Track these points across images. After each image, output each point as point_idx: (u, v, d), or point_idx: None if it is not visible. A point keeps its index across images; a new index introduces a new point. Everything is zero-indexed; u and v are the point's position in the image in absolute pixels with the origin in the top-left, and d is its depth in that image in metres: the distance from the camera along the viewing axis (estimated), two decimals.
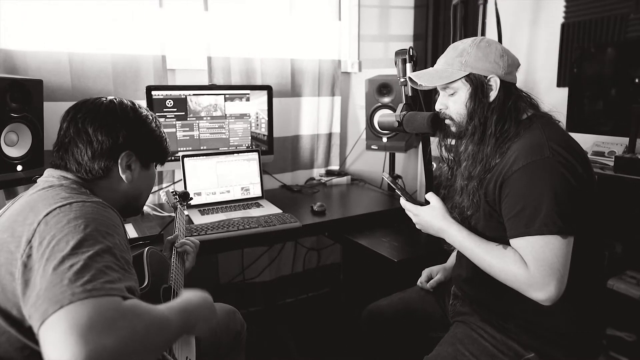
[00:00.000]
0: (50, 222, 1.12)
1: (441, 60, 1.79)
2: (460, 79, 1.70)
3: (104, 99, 1.51)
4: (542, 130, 1.60)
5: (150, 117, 1.58)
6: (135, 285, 1.13)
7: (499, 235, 1.62)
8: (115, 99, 1.52)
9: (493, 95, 1.68)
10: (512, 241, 1.55)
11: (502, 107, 1.68)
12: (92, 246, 1.08)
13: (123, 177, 1.48)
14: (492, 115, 1.68)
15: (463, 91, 1.72)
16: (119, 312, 0.97)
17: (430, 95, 3.08)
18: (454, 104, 1.76)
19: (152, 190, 2.95)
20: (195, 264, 1.98)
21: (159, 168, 1.69)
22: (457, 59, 1.71)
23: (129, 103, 1.54)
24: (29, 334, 1.07)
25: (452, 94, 1.76)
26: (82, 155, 1.43)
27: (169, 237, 1.98)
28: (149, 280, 1.49)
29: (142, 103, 1.61)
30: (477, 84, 1.68)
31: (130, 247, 1.36)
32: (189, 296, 1.32)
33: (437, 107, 1.83)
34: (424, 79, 1.80)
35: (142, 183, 1.58)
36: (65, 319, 0.92)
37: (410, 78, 1.87)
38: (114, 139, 1.45)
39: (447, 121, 1.80)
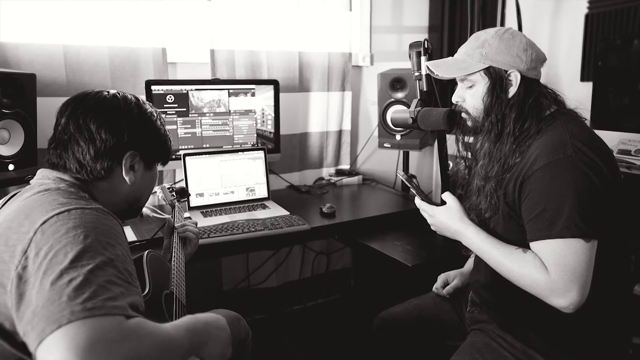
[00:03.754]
0: (47, 231, 1.10)
1: (461, 50, 1.79)
2: (479, 71, 1.70)
3: (106, 93, 1.49)
4: (565, 128, 1.59)
5: (155, 115, 1.57)
6: (140, 299, 1.12)
7: (520, 239, 1.61)
8: (119, 94, 1.50)
9: (512, 91, 1.68)
10: (532, 244, 1.55)
11: (521, 104, 1.68)
12: (92, 258, 1.06)
13: (126, 178, 1.47)
14: (510, 113, 1.68)
15: (481, 85, 1.72)
16: (121, 334, 0.96)
17: (447, 90, 3.09)
18: (471, 98, 1.76)
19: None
20: (197, 248, 2.02)
21: (159, 168, 1.68)
22: (478, 50, 1.71)
23: (133, 98, 1.52)
24: (23, 348, 1.05)
25: (470, 87, 1.76)
26: (83, 154, 1.41)
27: (166, 223, 2.00)
28: (150, 287, 1.49)
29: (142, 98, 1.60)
30: (496, 78, 1.68)
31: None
32: (198, 315, 1.30)
33: (454, 99, 1.83)
34: (442, 69, 1.80)
35: (143, 184, 1.57)
36: (64, 340, 0.91)
37: (428, 67, 1.87)
38: (118, 138, 1.43)
39: (463, 115, 1.81)
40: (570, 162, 1.50)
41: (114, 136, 1.42)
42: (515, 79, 1.67)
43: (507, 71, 1.67)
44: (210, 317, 1.32)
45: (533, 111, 1.67)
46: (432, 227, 1.86)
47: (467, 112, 1.79)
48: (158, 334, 1.06)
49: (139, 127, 1.49)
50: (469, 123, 1.80)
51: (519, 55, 1.67)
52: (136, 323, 1.01)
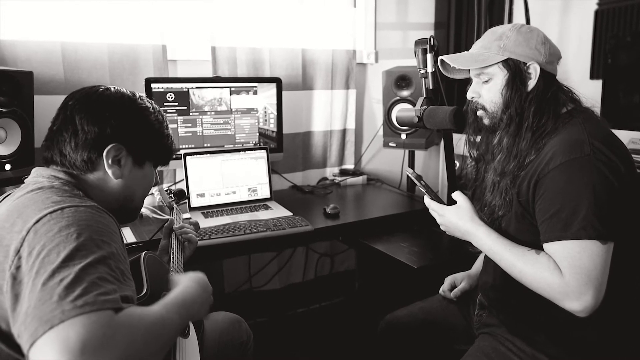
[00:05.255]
0: (40, 230, 1.10)
1: (478, 44, 1.78)
2: (497, 63, 1.69)
3: (101, 87, 1.48)
4: (582, 126, 1.57)
5: (151, 109, 1.54)
6: (133, 294, 1.12)
7: (532, 240, 1.59)
8: (113, 88, 1.49)
9: (532, 84, 1.67)
10: (546, 246, 1.53)
11: (540, 98, 1.66)
12: (84, 257, 1.05)
13: (109, 172, 1.43)
14: (529, 107, 1.66)
15: (499, 78, 1.70)
16: (113, 328, 0.96)
17: (452, 88, 3.07)
18: (488, 92, 1.74)
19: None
20: (194, 253, 2.01)
21: (160, 168, 1.66)
22: (496, 42, 1.70)
23: (127, 92, 1.51)
24: (19, 349, 1.03)
25: (486, 81, 1.74)
26: (65, 146, 1.40)
27: (166, 224, 1.99)
28: (148, 288, 1.47)
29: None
30: (516, 70, 1.67)
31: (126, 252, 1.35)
32: (184, 287, 1.35)
33: (469, 95, 1.81)
34: (459, 61, 1.77)
35: (134, 182, 1.52)
36: (57, 341, 0.91)
37: (442, 60, 1.84)
38: (100, 129, 1.41)
39: (480, 112, 1.79)
40: (588, 162, 1.48)
41: (96, 127, 1.41)
42: (534, 71, 1.65)
43: (526, 63, 1.66)
44: (195, 285, 1.39)
45: (550, 106, 1.66)
46: (442, 227, 1.84)
47: (484, 108, 1.77)
48: (149, 318, 1.08)
49: (127, 120, 1.46)
50: (486, 120, 1.78)
51: (537, 48, 1.66)
52: (126, 313, 1.02)
